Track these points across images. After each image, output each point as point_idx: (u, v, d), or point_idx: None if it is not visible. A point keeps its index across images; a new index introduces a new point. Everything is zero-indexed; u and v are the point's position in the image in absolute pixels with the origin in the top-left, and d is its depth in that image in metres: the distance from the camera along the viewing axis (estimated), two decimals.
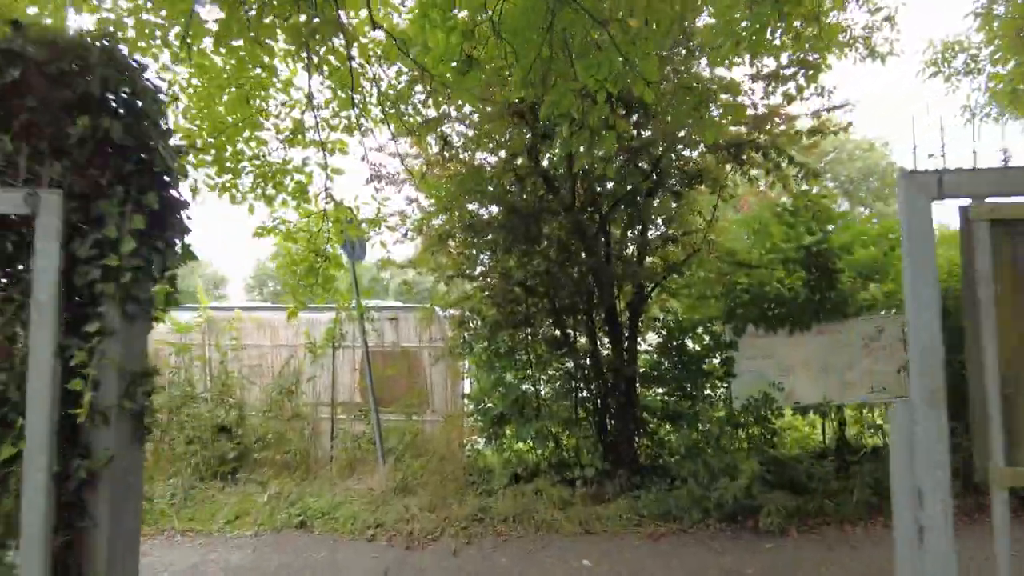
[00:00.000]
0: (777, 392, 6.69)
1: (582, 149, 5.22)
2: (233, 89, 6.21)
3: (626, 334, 7.17)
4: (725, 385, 7.04)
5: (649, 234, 7.11)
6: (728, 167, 7.08)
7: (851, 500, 5.37)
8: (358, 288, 7.14)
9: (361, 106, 6.48)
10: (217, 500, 6.54)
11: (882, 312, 6.87)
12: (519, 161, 7.29)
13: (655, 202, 7.18)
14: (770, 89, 6.90)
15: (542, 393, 7.10)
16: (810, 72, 7.16)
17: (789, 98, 7.13)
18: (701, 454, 5.87)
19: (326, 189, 6.39)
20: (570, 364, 7.18)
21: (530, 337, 7.31)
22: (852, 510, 5.32)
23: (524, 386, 7.03)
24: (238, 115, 6.24)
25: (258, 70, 5.97)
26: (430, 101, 6.63)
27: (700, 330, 7.11)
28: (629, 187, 6.94)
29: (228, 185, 6.59)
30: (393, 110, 6.50)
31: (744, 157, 6.80)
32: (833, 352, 6.89)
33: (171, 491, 6.58)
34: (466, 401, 7.56)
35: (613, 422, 6.97)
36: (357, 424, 7.68)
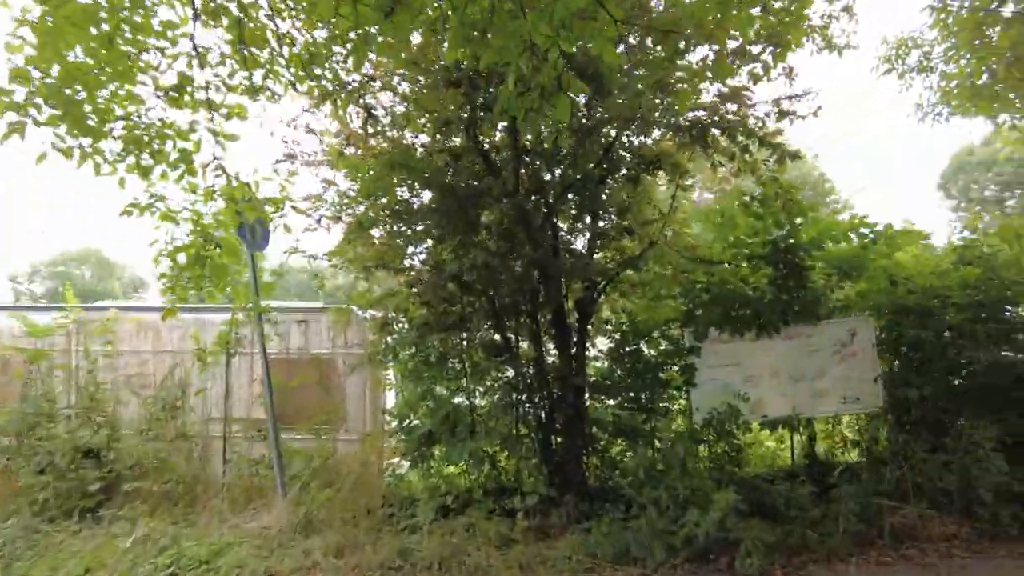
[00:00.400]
0: (743, 403, 5.92)
1: (531, 112, 4.30)
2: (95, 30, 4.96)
3: (575, 338, 6.25)
4: (684, 396, 6.24)
5: (601, 224, 6.23)
6: (688, 153, 6.31)
7: (837, 530, 4.61)
8: (257, 283, 5.93)
9: (268, 65, 5.35)
10: (66, 547, 5.18)
11: (855, 314, 6.23)
12: (456, 141, 6.31)
13: (607, 190, 6.33)
14: (736, 66, 6.19)
15: (478, 407, 6.09)
16: (778, 50, 6.51)
17: (755, 77, 6.45)
18: (663, 478, 4.99)
19: (215, 159, 5.23)
20: (511, 373, 6.20)
21: (465, 342, 6.29)
22: (839, 542, 4.55)
23: (457, 399, 6.01)
24: (100, 61, 4.99)
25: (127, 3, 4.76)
26: (351, 63, 5.56)
27: (657, 334, 6.28)
28: (579, 173, 6.06)
29: (89, 150, 5.29)
30: (304, 73, 5.41)
31: (708, 139, 6.04)
32: (803, 359, 6.19)
33: (0, 539, 5.17)
34: (388, 417, 6.46)
35: (560, 439, 6.03)
36: (257, 446, 6.43)
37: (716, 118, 6.05)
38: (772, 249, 6.18)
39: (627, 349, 6.36)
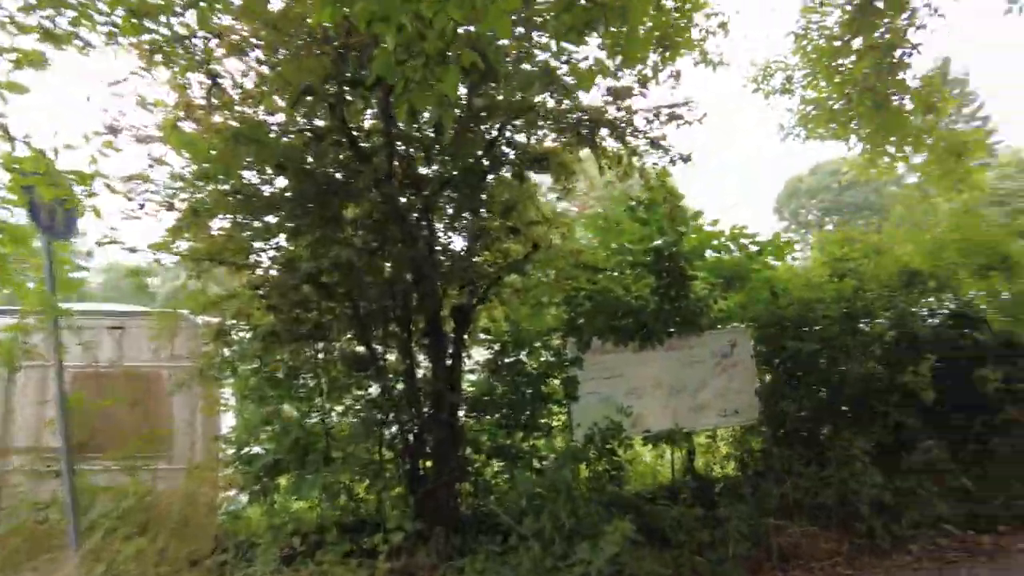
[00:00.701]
0: (625, 418, 5.59)
1: (412, 84, 3.62)
2: None
3: (451, 349, 5.61)
4: (566, 411, 5.81)
5: (483, 223, 5.65)
6: (575, 153, 5.94)
7: (727, 554, 4.34)
8: (53, 279, 4.70)
9: (80, 7, 4.23)
10: None
11: (733, 324, 6.14)
12: (320, 121, 5.46)
13: (490, 187, 5.77)
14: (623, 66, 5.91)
15: (334, 430, 5.25)
16: (667, 53, 6.34)
17: (644, 79, 6.23)
18: (547, 505, 4.47)
19: None
20: (376, 390, 5.44)
21: (322, 354, 5.44)
22: (731, 568, 4.28)
23: (309, 421, 5.13)
24: None
25: None
26: (194, 17, 4.58)
27: (539, 344, 5.80)
28: (460, 167, 5.45)
29: None
30: (132, 25, 4.35)
31: (596, 139, 5.69)
32: (685, 370, 6.00)
33: None
34: (223, 444, 5.42)
35: (430, 464, 5.34)
36: (49, 483, 5.11)
37: (605, 117, 5.73)
38: (656, 257, 5.95)
39: (506, 361, 5.83)
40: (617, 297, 5.92)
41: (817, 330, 5.66)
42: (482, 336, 5.94)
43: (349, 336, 5.48)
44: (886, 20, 8.47)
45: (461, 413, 5.59)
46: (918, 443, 5.30)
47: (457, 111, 5.39)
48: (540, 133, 5.79)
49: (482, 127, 5.46)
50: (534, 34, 5.29)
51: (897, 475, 5.00)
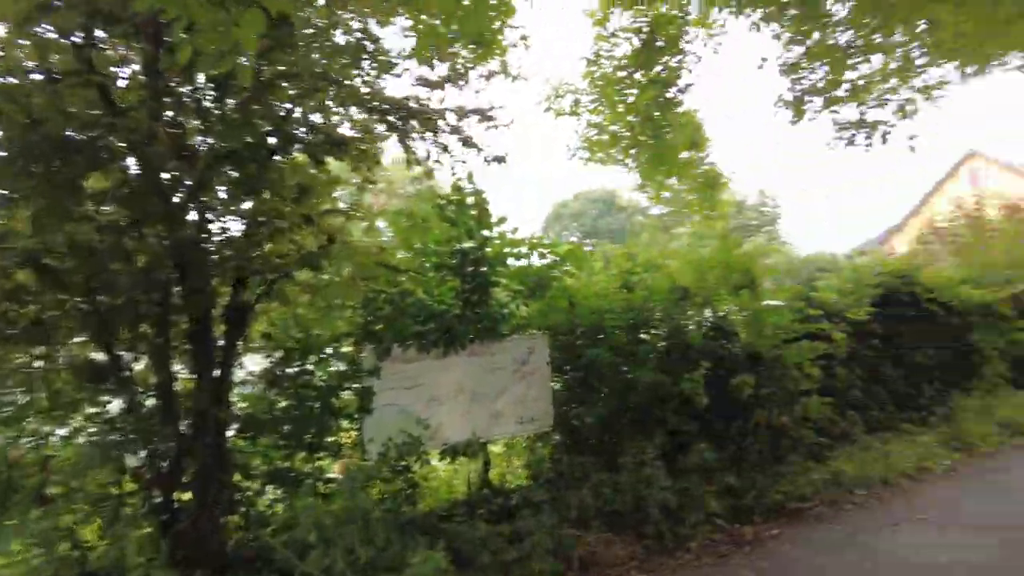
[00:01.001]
0: (423, 431, 5.23)
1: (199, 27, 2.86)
2: None
3: (220, 357, 4.72)
4: (357, 427, 5.25)
5: (269, 207, 4.84)
6: (381, 141, 5.46)
7: (533, 571, 4.18)
8: None
9: None
10: None
11: (532, 332, 6.13)
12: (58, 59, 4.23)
13: (280, 169, 5.00)
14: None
15: (56, 459, 4.05)
16: (481, 50, 6.14)
17: (455, 75, 5.97)
18: (338, 537, 3.90)
19: None
20: (117, 405, 4.34)
21: (43, 361, 4.19)
22: None
23: (18, 451, 3.89)
24: None
25: None
26: None
27: (329, 352, 5.17)
28: (246, 140, 4.62)
29: None
30: None
31: (407, 128, 5.28)
32: (486, 377, 5.81)
33: None
34: None
35: (190, 495, 4.40)
36: None
37: (417, 107, 5.35)
38: (462, 260, 5.71)
39: (289, 371, 5.09)
40: (421, 300, 5.55)
41: (606, 339, 5.87)
42: (259, 343, 5.13)
43: (83, 338, 4.31)
44: (664, 58, 9.37)
45: (231, 433, 4.73)
46: (692, 446, 5.75)
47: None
48: (343, 115, 5.21)
49: (274, 99, 4.71)
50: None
51: (678, 477, 5.36)
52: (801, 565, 4.62)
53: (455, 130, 5.39)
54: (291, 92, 4.82)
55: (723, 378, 6.30)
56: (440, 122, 5.35)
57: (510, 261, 6.11)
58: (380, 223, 5.77)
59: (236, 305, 4.72)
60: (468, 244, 5.72)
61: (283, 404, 4.85)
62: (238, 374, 4.96)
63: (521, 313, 5.97)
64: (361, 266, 5.08)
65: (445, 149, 5.38)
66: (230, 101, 4.65)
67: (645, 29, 9.20)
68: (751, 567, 4.55)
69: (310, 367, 5.06)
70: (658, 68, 9.35)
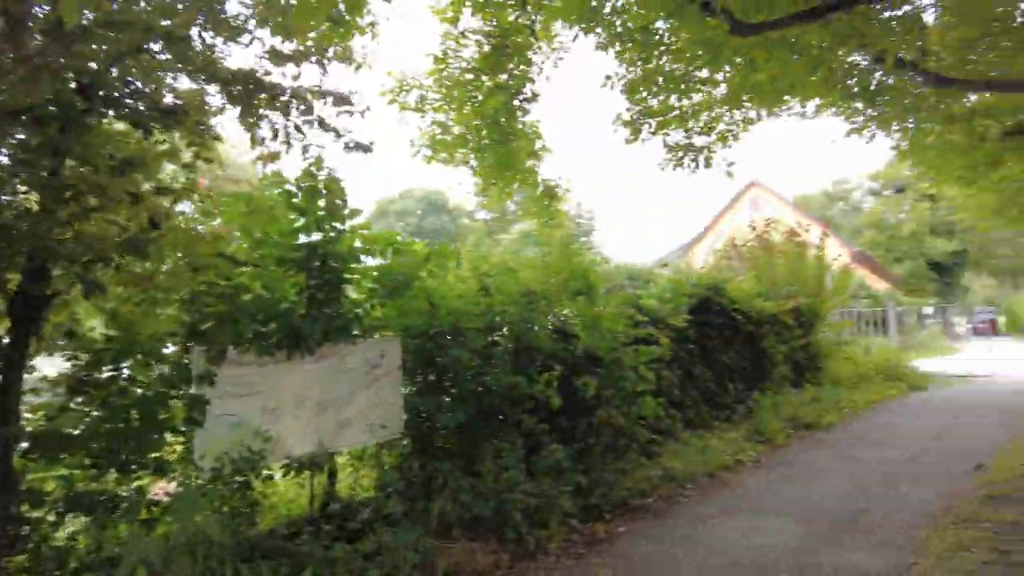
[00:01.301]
0: (263, 443, 4.68)
1: None
2: None
3: (3, 360, 3.81)
4: (184, 440, 4.55)
5: (78, 177, 4.00)
6: (219, 114, 4.81)
7: None
8: None
9: None
10: None
11: (385, 333, 5.79)
12: None
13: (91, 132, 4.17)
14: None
15: None
16: (340, 29, 5.71)
17: (307, 53, 5.47)
18: (171, 568, 3.29)
19: None
20: None
21: None
22: None
23: None
24: None
25: None
26: None
27: (148, 354, 4.41)
28: (49, 94, 3.78)
29: None
30: None
31: (256, 102, 4.71)
32: (332, 384, 5.37)
33: None
34: None
35: None
36: None
37: (267, 79, 4.82)
38: (308, 253, 5.22)
39: (98, 376, 4.25)
40: (261, 297, 4.98)
41: (465, 341, 5.75)
42: (59, 342, 4.23)
43: None
44: (511, 66, 9.50)
45: (17, 453, 3.83)
46: (545, 447, 5.81)
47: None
48: (177, 78, 4.50)
49: (92, 47, 3.92)
50: None
51: (533, 479, 5.37)
52: (654, 559, 4.85)
53: (307, 110, 4.92)
54: (109, 45, 4.05)
55: (568, 379, 6.48)
56: (294, 101, 4.85)
57: (363, 258, 5.74)
58: (213, 208, 5.08)
59: (29, 296, 3.84)
60: (316, 237, 5.26)
61: (94, 415, 4.03)
62: (26, 380, 4.05)
63: (375, 314, 5.61)
64: (195, 254, 4.42)
65: (298, 129, 4.90)
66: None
67: (495, 34, 9.26)
68: (608, 566, 4.68)
69: (126, 372, 4.27)
70: (504, 76, 9.47)
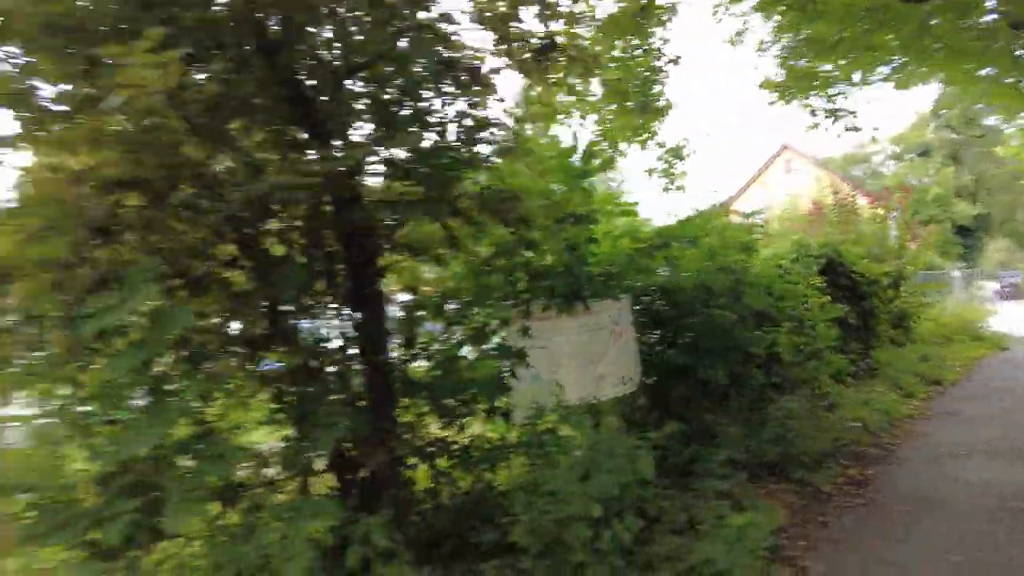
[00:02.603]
0: (554, 397, 4.89)
1: None
2: None
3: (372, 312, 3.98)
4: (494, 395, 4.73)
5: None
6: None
7: None
8: None
9: None
10: None
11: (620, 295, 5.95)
12: None
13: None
14: None
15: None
16: None
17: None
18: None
19: None
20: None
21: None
22: None
23: None
24: None
25: None
26: None
27: (478, 311, 4.59)
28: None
29: None
30: None
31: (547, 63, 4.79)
32: (591, 337, 5.57)
33: None
34: None
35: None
36: None
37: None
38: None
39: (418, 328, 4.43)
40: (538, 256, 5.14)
41: (711, 300, 5.90)
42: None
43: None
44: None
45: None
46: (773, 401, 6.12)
47: None
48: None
49: None
50: None
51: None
52: (926, 492, 5.17)
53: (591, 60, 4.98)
54: None
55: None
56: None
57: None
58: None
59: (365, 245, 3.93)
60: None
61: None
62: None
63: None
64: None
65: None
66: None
67: None
68: (892, 499, 5.00)
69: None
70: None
